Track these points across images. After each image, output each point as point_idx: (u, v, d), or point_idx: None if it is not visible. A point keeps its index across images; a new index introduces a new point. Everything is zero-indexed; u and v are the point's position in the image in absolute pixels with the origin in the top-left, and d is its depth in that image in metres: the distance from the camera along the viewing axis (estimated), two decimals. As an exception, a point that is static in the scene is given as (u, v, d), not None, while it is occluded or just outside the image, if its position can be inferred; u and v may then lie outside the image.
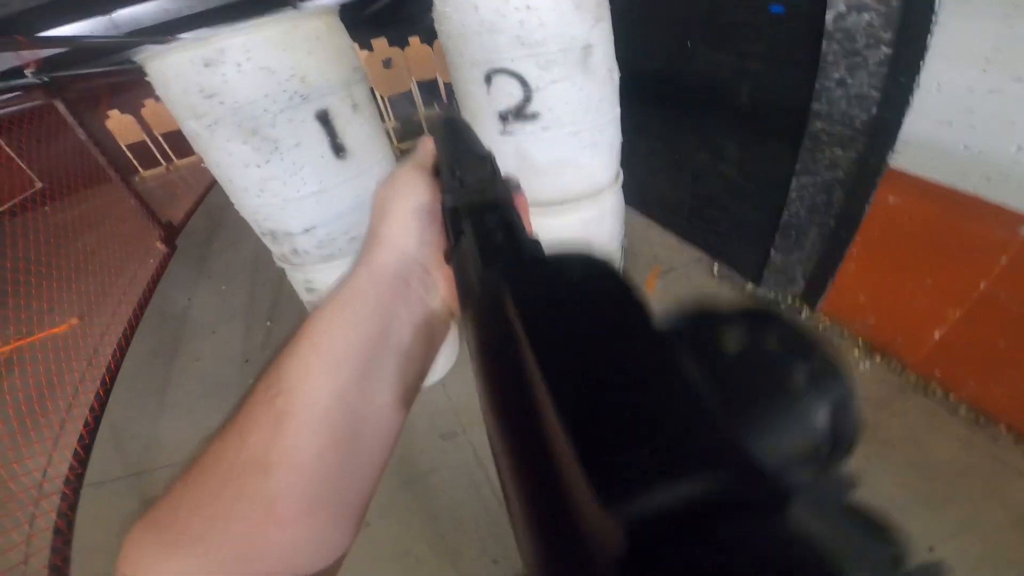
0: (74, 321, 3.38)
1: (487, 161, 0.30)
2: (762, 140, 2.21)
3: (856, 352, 2.10)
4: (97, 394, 2.18)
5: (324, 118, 1.43)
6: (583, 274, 0.16)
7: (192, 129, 1.39)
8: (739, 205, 2.50)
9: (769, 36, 1.96)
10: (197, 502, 0.25)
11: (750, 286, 2.55)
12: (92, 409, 2.13)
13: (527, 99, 1.53)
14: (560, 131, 1.61)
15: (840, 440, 0.14)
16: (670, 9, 2.38)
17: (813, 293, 2.30)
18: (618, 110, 1.78)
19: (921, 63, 1.57)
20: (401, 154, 5.65)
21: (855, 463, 0.15)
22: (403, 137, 5.47)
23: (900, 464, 1.65)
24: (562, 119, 1.59)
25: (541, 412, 0.12)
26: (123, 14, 3.23)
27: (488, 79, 1.52)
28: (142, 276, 3.58)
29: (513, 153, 1.69)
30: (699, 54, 2.33)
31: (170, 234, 3.48)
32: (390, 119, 5.73)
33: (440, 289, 0.32)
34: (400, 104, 6.05)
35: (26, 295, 3.63)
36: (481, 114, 1.64)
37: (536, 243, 0.27)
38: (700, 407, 0.11)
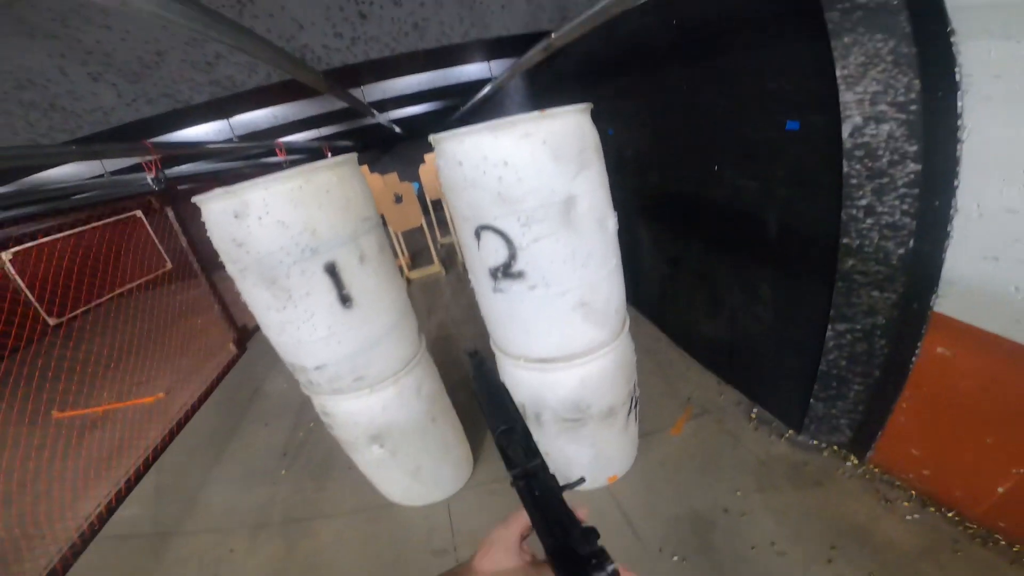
0: (161, 395, 3.86)
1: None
2: (794, 279, 2.03)
3: (907, 503, 1.81)
4: (137, 470, 2.48)
5: (332, 270, 1.54)
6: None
7: (230, 270, 1.57)
8: (776, 350, 2.28)
9: (790, 157, 1.82)
10: None
11: (790, 433, 2.28)
12: (128, 481, 2.41)
13: (512, 257, 1.48)
14: (546, 291, 1.53)
15: None
16: (700, 128, 2.31)
17: (861, 444, 2.01)
18: (615, 261, 1.66)
19: (956, 180, 1.38)
20: (408, 283, 5.75)
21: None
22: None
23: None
24: (547, 279, 1.51)
25: None
26: (239, 119, 3.97)
27: (477, 235, 1.50)
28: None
29: (504, 310, 1.66)
30: (726, 178, 2.21)
31: (242, 337, 3.99)
32: (404, 254, 5.97)
33: None
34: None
35: (134, 365, 4.26)
36: (476, 269, 1.64)
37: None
38: None
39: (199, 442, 3.28)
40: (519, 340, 1.73)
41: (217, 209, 1.42)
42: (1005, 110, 1.24)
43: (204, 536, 2.42)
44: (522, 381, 1.80)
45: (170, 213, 3.35)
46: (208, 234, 1.52)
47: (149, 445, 3.12)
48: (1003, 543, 1.61)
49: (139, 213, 5.15)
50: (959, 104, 1.33)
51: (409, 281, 5.84)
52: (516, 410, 0.61)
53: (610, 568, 0.42)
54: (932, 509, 1.77)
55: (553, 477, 0.55)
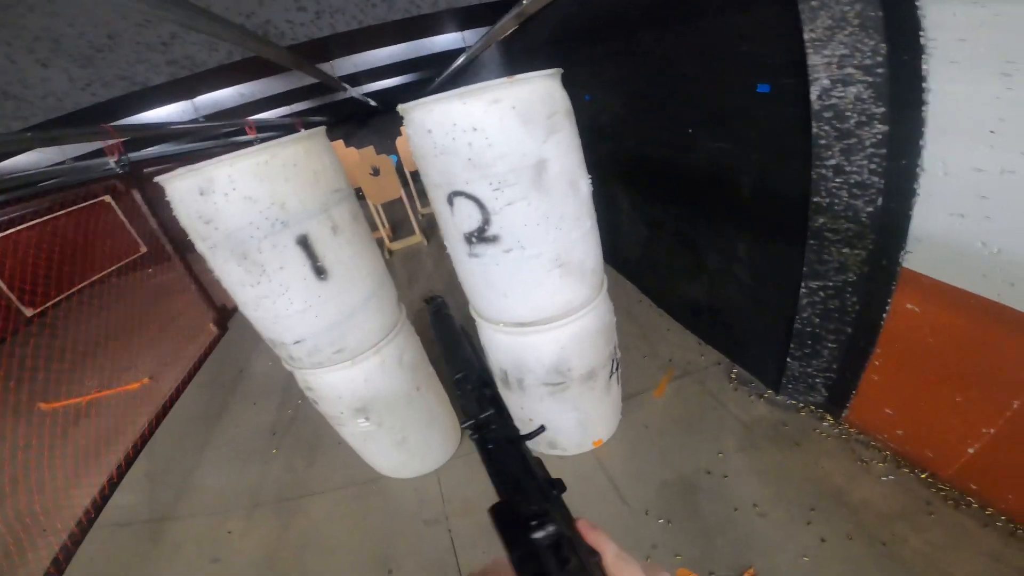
0: (146, 380, 3.83)
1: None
2: (768, 239, 2.06)
3: (882, 465, 1.87)
4: (127, 456, 2.48)
5: (304, 242, 1.53)
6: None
7: (199, 248, 1.55)
8: (753, 309, 2.32)
9: (761, 120, 1.84)
10: None
11: (769, 393, 2.34)
12: (119, 468, 2.42)
13: (486, 222, 1.49)
14: (521, 254, 1.55)
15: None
16: (675, 92, 2.31)
17: (836, 403, 2.07)
18: (589, 223, 1.68)
19: (921, 141, 1.40)
20: (391, 255, 5.71)
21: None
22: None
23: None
24: (522, 242, 1.53)
25: None
26: (203, 99, 3.84)
27: (450, 201, 1.50)
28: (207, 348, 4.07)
29: (480, 275, 1.67)
30: (700, 142, 2.23)
31: (222, 317, 3.95)
32: (384, 226, 5.94)
33: None
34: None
35: (116, 352, 4.21)
36: (451, 235, 1.65)
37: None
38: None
39: (188, 425, 3.27)
40: (497, 304, 1.74)
41: (182, 187, 1.41)
42: (970, 72, 1.25)
43: (200, 519, 2.44)
44: (502, 346, 1.82)
45: (137, 196, 3.27)
46: (174, 213, 1.51)
47: (137, 431, 3.12)
48: (975, 505, 1.63)
49: (108, 198, 5.00)
50: (924, 67, 1.33)
51: (391, 253, 5.82)
52: (473, 355, 0.58)
53: (551, 529, 0.35)
54: (906, 470, 1.82)
55: (511, 427, 0.50)
